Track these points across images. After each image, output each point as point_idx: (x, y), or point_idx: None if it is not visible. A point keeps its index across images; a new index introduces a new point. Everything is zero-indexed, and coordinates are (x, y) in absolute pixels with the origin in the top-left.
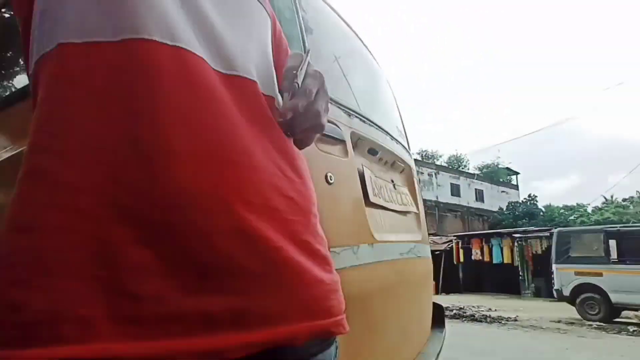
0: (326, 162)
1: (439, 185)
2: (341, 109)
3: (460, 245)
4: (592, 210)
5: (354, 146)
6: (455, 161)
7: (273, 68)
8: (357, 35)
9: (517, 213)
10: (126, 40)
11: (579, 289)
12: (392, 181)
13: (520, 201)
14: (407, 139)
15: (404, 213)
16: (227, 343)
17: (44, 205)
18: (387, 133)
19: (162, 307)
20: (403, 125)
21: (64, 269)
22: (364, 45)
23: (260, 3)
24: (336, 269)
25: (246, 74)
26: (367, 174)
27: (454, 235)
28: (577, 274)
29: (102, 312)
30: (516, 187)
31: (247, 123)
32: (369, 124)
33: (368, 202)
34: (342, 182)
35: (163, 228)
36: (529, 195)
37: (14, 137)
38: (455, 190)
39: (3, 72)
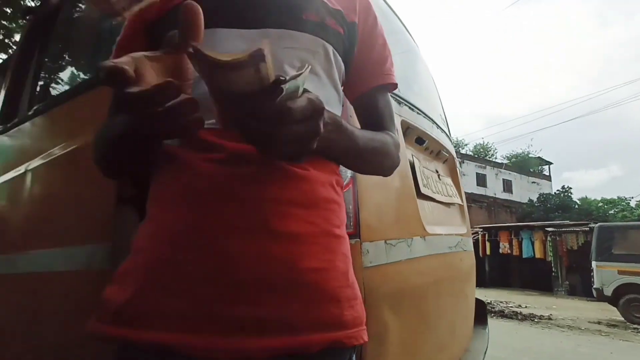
0: None
1: (464, 175)
2: (391, 95)
3: (486, 237)
4: (637, 204)
5: (404, 135)
6: (481, 150)
7: None
8: (395, 13)
9: (549, 205)
10: None
11: (622, 289)
12: (437, 171)
13: (553, 193)
14: (448, 127)
15: (449, 205)
16: (254, 346)
17: (149, 236)
18: (433, 121)
19: (205, 309)
20: (444, 113)
21: (149, 277)
22: (402, 23)
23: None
24: (391, 262)
25: None
26: (417, 165)
27: (480, 227)
28: (621, 272)
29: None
30: (548, 177)
31: None
32: (417, 112)
33: (419, 194)
34: (395, 173)
35: (206, 251)
36: (563, 187)
37: (68, 134)
38: (481, 180)
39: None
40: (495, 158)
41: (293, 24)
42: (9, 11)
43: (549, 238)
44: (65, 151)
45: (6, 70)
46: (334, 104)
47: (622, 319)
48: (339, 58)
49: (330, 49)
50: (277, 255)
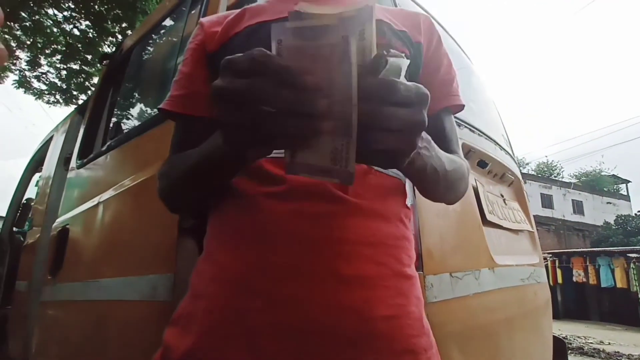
0: None
1: (528, 196)
2: None
3: (557, 264)
4: None
5: (466, 158)
6: (545, 169)
7: None
8: (447, 32)
9: (629, 228)
10: None
11: None
12: (502, 195)
13: (634, 214)
14: (511, 148)
15: (517, 232)
16: None
17: (209, 278)
18: (496, 142)
19: None
20: (506, 132)
21: (212, 325)
22: (456, 42)
23: None
24: (458, 297)
25: None
26: (481, 190)
27: (549, 253)
28: None
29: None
30: (626, 197)
31: None
32: (479, 134)
33: (485, 221)
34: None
35: (270, 298)
36: None
37: (137, 167)
38: (546, 202)
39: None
40: (562, 177)
41: None
42: (89, 57)
43: (632, 265)
44: (134, 183)
45: (85, 110)
46: None
47: None
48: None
49: None
50: (346, 303)
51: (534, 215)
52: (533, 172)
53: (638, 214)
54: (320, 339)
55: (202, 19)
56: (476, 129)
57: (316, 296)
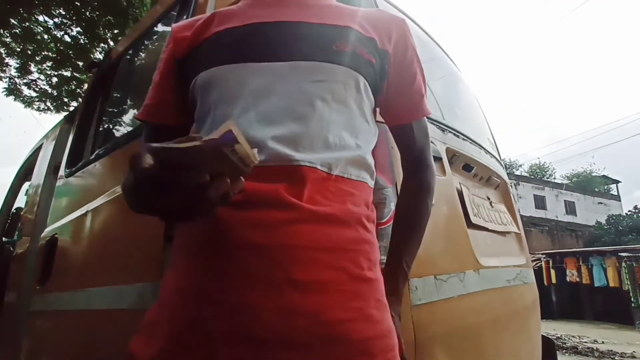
0: None
1: (521, 197)
2: (434, 124)
3: (550, 264)
4: None
5: (450, 163)
6: (538, 170)
7: None
8: (432, 38)
9: (620, 228)
10: None
11: None
12: (488, 198)
13: (624, 214)
14: (498, 151)
15: (504, 233)
16: None
17: (172, 288)
18: (481, 146)
19: None
20: (492, 136)
21: (174, 334)
22: (442, 49)
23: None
24: (443, 299)
25: None
26: (466, 193)
27: (543, 253)
28: None
29: None
30: (617, 197)
31: None
32: (463, 138)
33: (469, 224)
34: (442, 202)
35: (227, 306)
36: (635, 207)
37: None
38: (539, 203)
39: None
40: (554, 178)
41: (323, 55)
42: (80, 64)
43: (623, 264)
44: (120, 192)
45: (74, 118)
46: (365, 135)
47: None
48: (369, 89)
49: (362, 80)
50: (300, 308)
51: (528, 217)
52: (526, 174)
53: (629, 213)
54: (275, 345)
55: (173, 25)
56: (461, 134)
57: (271, 303)
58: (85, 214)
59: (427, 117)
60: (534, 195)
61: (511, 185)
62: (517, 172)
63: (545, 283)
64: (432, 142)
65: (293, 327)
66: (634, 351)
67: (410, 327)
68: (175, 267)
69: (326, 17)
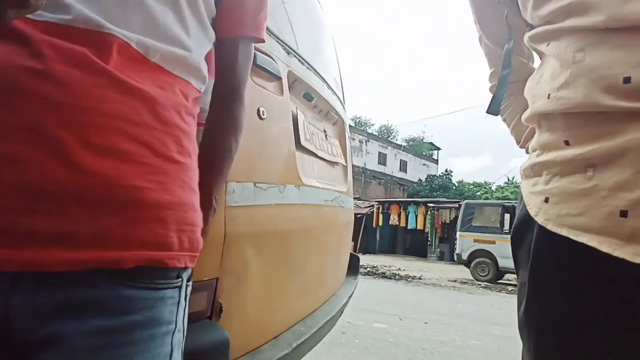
0: (259, 96)
1: (368, 153)
2: (280, 43)
3: (380, 210)
4: (496, 189)
5: (290, 87)
6: (385, 131)
7: None
8: None
9: (433, 185)
10: None
11: (475, 254)
12: (325, 131)
13: (438, 175)
14: (343, 93)
15: (333, 164)
16: (50, 257)
17: None
18: (325, 81)
19: None
20: (341, 79)
21: None
22: None
23: None
24: (259, 205)
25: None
26: (301, 118)
27: (376, 201)
28: (476, 241)
29: None
30: (436, 161)
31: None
32: (307, 67)
33: (299, 146)
34: (274, 120)
35: (8, 159)
36: (445, 170)
37: None
38: (382, 159)
39: None
40: (396, 139)
41: None
42: None
43: (429, 213)
44: None
45: None
46: (199, 41)
47: (472, 277)
48: None
49: None
50: (93, 170)
51: (370, 170)
52: (376, 133)
53: (441, 175)
54: (62, 199)
55: None
56: (306, 62)
57: (59, 158)
58: None
59: (274, 35)
60: (379, 152)
61: (362, 141)
62: (370, 131)
63: (374, 225)
64: (273, 59)
65: (84, 185)
66: (421, 275)
67: (223, 225)
68: None
69: None
